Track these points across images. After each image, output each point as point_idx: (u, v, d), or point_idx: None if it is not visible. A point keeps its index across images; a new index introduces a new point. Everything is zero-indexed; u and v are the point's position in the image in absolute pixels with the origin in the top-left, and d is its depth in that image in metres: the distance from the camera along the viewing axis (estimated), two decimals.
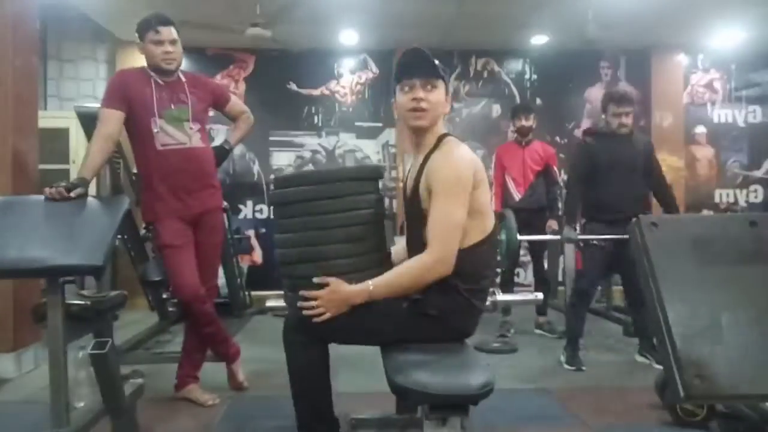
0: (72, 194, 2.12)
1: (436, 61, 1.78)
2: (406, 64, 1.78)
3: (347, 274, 1.71)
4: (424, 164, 1.76)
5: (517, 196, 4.29)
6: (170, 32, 2.66)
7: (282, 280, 1.83)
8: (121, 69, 2.89)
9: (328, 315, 1.67)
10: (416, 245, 1.77)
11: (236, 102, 3.01)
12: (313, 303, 1.67)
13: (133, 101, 2.58)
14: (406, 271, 1.70)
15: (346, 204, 1.72)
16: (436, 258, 1.66)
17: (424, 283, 1.69)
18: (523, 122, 4.30)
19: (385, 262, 1.84)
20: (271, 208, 5.66)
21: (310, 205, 1.72)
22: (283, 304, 1.90)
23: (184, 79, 2.70)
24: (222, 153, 2.87)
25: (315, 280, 1.69)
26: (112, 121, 2.55)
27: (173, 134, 2.62)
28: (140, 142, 2.64)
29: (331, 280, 1.68)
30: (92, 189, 4.74)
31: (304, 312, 1.68)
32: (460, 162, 1.70)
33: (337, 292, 1.67)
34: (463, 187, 1.68)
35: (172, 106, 2.62)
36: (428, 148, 1.79)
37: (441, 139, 1.79)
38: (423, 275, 1.68)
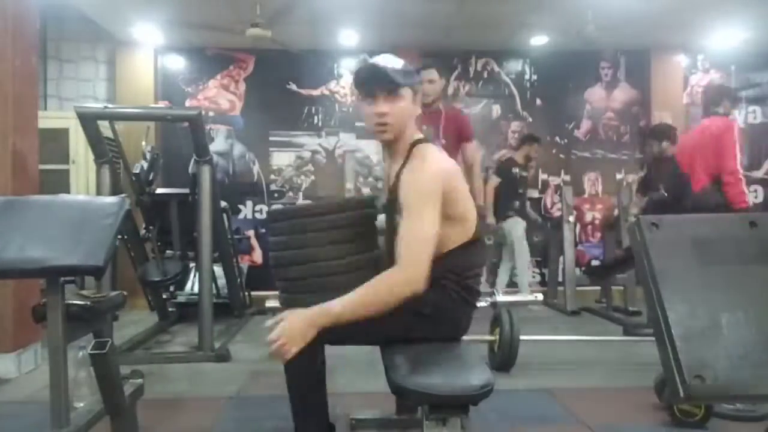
0: None
1: (399, 66, 1.69)
2: (363, 80, 1.71)
3: (338, 275, 1.71)
4: (399, 176, 1.73)
5: None
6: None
7: (276, 282, 1.86)
8: None
9: (295, 348, 1.53)
10: (392, 257, 1.74)
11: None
12: (277, 343, 1.53)
13: None
14: (372, 288, 1.59)
15: (338, 236, 1.74)
16: (405, 278, 1.57)
17: (391, 301, 1.57)
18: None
19: (377, 263, 1.84)
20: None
21: (302, 237, 1.74)
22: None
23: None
24: None
25: (268, 323, 1.57)
26: None
27: None
28: None
29: (284, 314, 1.57)
30: (92, 189, 4.78)
31: (274, 352, 1.54)
32: (426, 175, 1.64)
33: (295, 319, 1.55)
34: (431, 199, 1.61)
35: None
36: (402, 157, 1.75)
37: (413, 147, 1.74)
38: (390, 291, 1.57)
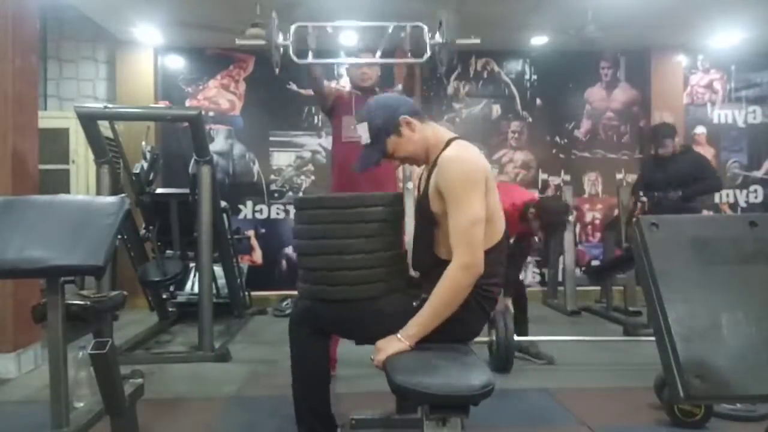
0: None
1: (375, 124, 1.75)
2: None
3: (363, 269, 1.71)
4: (434, 166, 1.74)
5: None
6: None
7: (298, 271, 1.84)
8: None
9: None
10: (422, 245, 1.78)
11: None
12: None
13: None
14: (441, 290, 1.65)
15: (364, 230, 1.74)
16: (462, 263, 1.63)
17: (461, 293, 1.65)
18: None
19: (401, 261, 1.85)
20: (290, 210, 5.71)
21: (330, 227, 1.74)
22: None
23: None
24: None
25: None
26: None
27: None
28: None
29: (379, 345, 1.68)
30: (92, 189, 4.78)
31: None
32: (470, 164, 1.68)
33: (390, 347, 1.66)
34: (475, 186, 1.65)
35: None
36: (436, 154, 1.77)
37: (449, 142, 1.77)
38: (456, 285, 1.64)
